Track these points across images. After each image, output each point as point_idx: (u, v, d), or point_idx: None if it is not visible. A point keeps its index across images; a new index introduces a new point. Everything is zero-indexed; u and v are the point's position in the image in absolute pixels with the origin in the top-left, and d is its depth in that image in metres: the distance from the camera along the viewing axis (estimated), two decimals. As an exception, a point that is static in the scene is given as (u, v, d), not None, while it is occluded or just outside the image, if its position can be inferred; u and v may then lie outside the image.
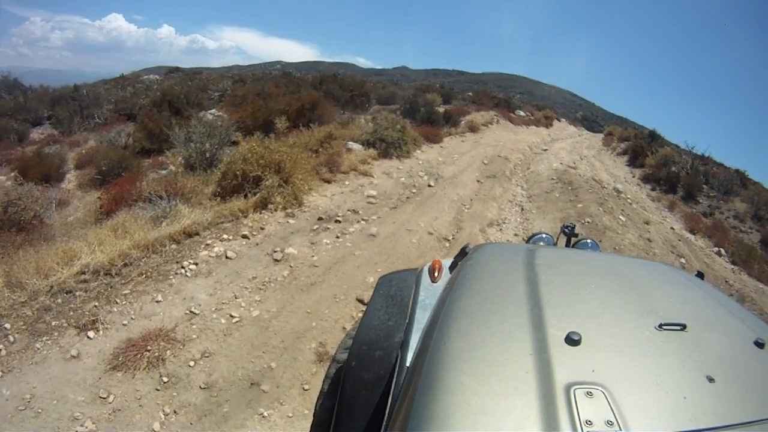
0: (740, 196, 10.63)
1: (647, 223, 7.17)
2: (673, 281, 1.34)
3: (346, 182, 6.64)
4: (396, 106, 12.80)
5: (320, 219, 5.39)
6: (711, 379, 0.84)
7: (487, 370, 0.86)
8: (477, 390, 0.81)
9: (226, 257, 4.37)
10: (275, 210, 5.52)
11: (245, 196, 5.71)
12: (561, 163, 10.50)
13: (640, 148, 13.23)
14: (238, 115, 12.67)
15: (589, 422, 0.73)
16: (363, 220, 5.51)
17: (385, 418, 1.10)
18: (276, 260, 4.46)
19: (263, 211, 5.47)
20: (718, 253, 7.06)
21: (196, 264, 4.16)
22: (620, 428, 0.72)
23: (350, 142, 8.22)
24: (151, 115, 14.64)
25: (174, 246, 4.47)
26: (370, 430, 1.21)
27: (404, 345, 1.28)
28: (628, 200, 8.61)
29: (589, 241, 2.34)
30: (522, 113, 20.06)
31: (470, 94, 22.58)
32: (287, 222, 5.28)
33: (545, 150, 13.35)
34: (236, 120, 12.30)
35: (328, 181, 6.59)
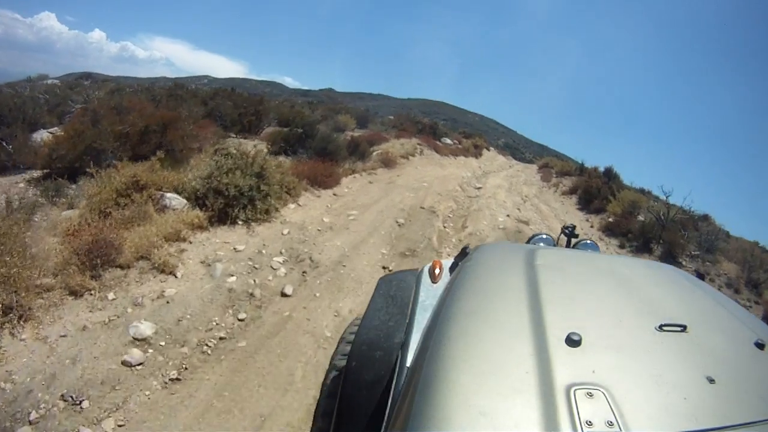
0: (721, 251, 8.75)
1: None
2: (674, 282, 1.33)
3: (111, 295, 3.39)
4: (272, 129, 9.60)
5: None
6: (711, 380, 0.84)
7: (487, 371, 0.85)
8: (477, 390, 0.80)
9: None
10: None
11: None
12: (508, 215, 7.90)
13: (596, 189, 11.24)
14: (53, 142, 8.68)
15: (589, 423, 0.72)
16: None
17: (385, 418, 1.09)
18: None
19: None
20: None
21: None
22: (621, 429, 0.71)
23: (170, 194, 4.95)
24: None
25: None
26: (370, 430, 1.20)
27: (404, 345, 1.28)
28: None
29: (589, 241, 2.33)
30: (449, 141, 17.93)
31: (392, 117, 20.14)
32: None
33: (479, 189, 10.81)
34: (50, 147, 8.32)
35: (77, 293, 3.30)
